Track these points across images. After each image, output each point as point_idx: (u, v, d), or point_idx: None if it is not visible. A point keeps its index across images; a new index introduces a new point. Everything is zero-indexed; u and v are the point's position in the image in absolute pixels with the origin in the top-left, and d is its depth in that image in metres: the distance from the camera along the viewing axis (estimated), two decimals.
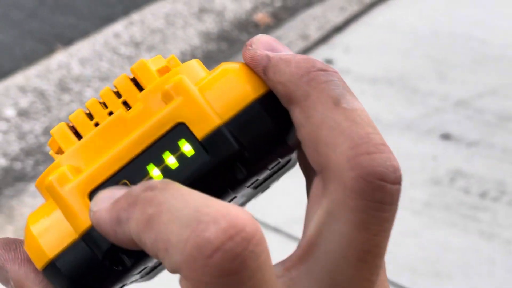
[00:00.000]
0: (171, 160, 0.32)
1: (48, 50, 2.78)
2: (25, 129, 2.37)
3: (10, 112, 2.45)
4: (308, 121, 0.31)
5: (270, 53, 0.33)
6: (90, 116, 0.34)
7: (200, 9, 3.07)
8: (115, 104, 0.34)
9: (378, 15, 2.85)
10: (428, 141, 2.14)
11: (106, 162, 0.32)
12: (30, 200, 2.02)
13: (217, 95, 0.32)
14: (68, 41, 2.83)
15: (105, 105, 0.34)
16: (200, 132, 0.32)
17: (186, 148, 0.32)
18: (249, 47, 0.33)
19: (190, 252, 0.27)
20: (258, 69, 0.33)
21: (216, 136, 0.32)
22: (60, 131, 0.34)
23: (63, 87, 2.57)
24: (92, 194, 0.32)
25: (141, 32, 2.91)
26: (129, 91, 0.34)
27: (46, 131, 2.36)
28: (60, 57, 2.74)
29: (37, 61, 2.71)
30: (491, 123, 2.22)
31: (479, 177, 2.02)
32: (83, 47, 2.80)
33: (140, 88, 0.34)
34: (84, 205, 0.32)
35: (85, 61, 2.72)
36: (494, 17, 2.79)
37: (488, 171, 2.04)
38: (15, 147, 2.28)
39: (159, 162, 0.32)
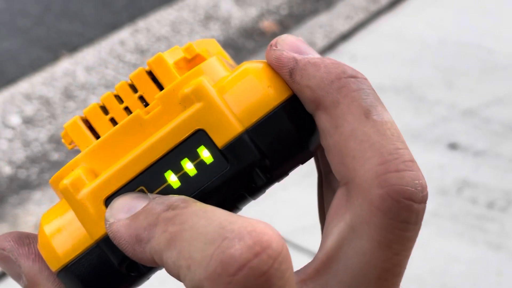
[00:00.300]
0: (189, 167, 0.32)
1: (53, 57, 2.77)
2: (30, 137, 2.36)
3: (15, 120, 2.44)
4: (336, 131, 0.30)
5: (297, 56, 0.32)
6: (105, 110, 0.34)
7: (206, 16, 3.07)
8: (131, 99, 0.33)
9: (384, 23, 2.84)
10: (435, 150, 2.12)
11: (123, 167, 0.32)
12: (35, 209, 2.01)
13: (238, 98, 0.32)
14: (73, 49, 2.82)
15: (120, 100, 0.34)
16: (221, 140, 0.31)
17: (205, 155, 0.31)
18: (274, 48, 0.32)
19: (215, 269, 0.26)
20: (283, 71, 0.32)
21: (237, 144, 0.31)
22: (74, 126, 0.33)
23: (68, 95, 2.57)
24: (108, 200, 0.32)
25: (147, 40, 2.90)
26: (146, 86, 0.33)
27: (51, 139, 2.35)
28: (65, 65, 2.74)
29: (42, 68, 2.71)
30: (499, 132, 2.21)
31: (486, 187, 2.00)
32: (88, 55, 2.80)
33: (157, 82, 0.33)
34: (100, 212, 0.31)
35: (91, 68, 2.72)
36: (502, 26, 2.78)
37: (496, 180, 2.02)
38: (20, 155, 2.28)
39: (178, 169, 0.32)
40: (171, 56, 0.34)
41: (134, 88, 0.34)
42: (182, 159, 0.32)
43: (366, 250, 0.29)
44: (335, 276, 0.29)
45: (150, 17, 3.06)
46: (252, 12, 3.08)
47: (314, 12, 3.03)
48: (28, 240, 0.33)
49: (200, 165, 0.31)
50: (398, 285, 0.30)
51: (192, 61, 0.34)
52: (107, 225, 0.30)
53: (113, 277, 0.32)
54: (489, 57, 2.59)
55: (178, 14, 3.09)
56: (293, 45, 0.32)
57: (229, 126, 0.31)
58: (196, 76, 0.32)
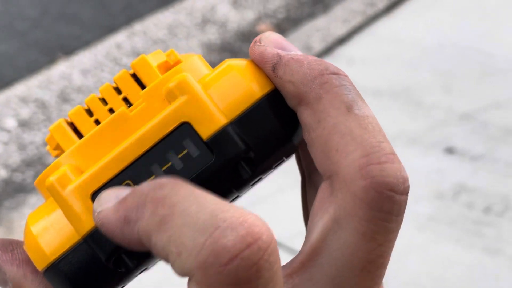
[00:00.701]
0: (175, 161, 0.32)
1: (50, 60, 2.77)
2: (26, 140, 2.36)
3: (11, 123, 2.43)
4: (319, 125, 0.31)
5: (281, 52, 0.33)
6: (89, 112, 0.34)
7: (203, 20, 3.06)
8: (115, 101, 0.33)
9: (381, 27, 2.84)
10: (432, 154, 2.12)
11: (109, 162, 0.32)
12: (30, 212, 2.01)
13: (222, 93, 0.32)
14: (70, 52, 2.82)
15: (104, 102, 0.34)
16: (205, 132, 0.32)
17: (191, 148, 0.32)
18: (258, 44, 0.33)
19: (206, 258, 0.26)
20: (266, 66, 0.32)
21: (221, 136, 0.31)
22: (59, 128, 0.33)
23: (64, 98, 2.56)
24: (94, 195, 0.31)
25: (144, 43, 2.90)
26: (129, 88, 0.33)
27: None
28: (61, 68, 2.73)
29: (39, 71, 2.71)
30: (496, 137, 2.20)
31: (483, 192, 2.00)
32: (84, 58, 2.79)
33: (140, 84, 0.33)
34: (87, 207, 0.31)
35: (87, 71, 2.71)
36: (500, 30, 2.78)
37: (492, 185, 2.02)
38: (15, 158, 2.27)
39: (164, 162, 0.32)
40: (154, 59, 0.34)
41: (118, 90, 0.34)
42: (168, 152, 0.32)
43: (350, 242, 0.29)
44: (320, 269, 0.30)
45: (147, 20, 3.06)
46: (249, 15, 3.08)
47: (311, 15, 3.03)
48: (11, 247, 0.33)
49: (186, 157, 0.32)
50: (382, 276, 0.30)
51: (174, 66, 0.34)
52: (95, 215, 0.30)
53: (101, 273, 0.32)
54: (487, 61, 2.59)
55: (175, 17, 3.09)
56: (276, 42, 0.33)
57: (213, 118, 0.31)
58: (178, 74, 0.33)
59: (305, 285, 0.30)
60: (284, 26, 2.99)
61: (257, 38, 0.33)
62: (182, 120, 0.32)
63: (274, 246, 0.27)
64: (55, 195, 0.32)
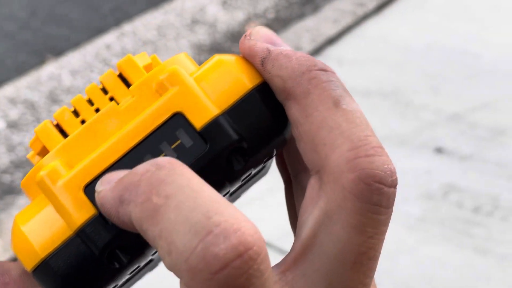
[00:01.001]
0: (169, 151, 0.32)
1: (39, 61, 2.76)
2: (14, 141, 2.35)
3: None
4: (307, 120, 0.31)
5: (270, 46, 0.33)
6: (75, 113, 0.33)
7: (193, 20, 3.06)
8: (102, 101, 0.33)
9: (371, 27, 2.84)
10: (422, 155, 2.12)
11: (101, 154, 0.31)
12: None
13: (213, 85, 0.32)
14: (59, 53, 2.81)
15: (91, 102, 0.33)
16: (198, 122, 0.31)
17: (184, 138, 0.32)
18: (248, 38, 0.33)
19: (197, 265, 0.26)
20: (255, 60, 0.33)
21: (214, 126, 0.31)
22: (45, 129, 0.33)
23: (53, 99, 2.56)
24: (87, 188, 0.31)
25: (133, 44, 2.90)
26: (116, 87, 0.33)
27: None
28: (50, 69, 2.72)
29: (27, 72, 2.70)
30: (485, 137, 2.21)
31: (473, 192, 2.00)
32: (74, 59, 2.79)
33: (127, 84, 0.33)
34: (79, 200, 0.31)
35: (76, 72, 2.71)
36: (488, 32, 2.78)
37: (482, 185, 2.03)
38: (4, 159, 2.26)
39: (157, 153, 0.32)
40: (140, 60, 0.34)
41: (104, 90, 0.34)
42: (161, 143, 0.32)
43: (341, 235, 0.30)
44: (312, 264, 0.30)
45: (136, 21, 3.05)
46: (239, 16, 3.08)
47: (300, 16, 3.03)
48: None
49: (179, 148, 0.32)
50: (374, 270, 0.31)
51: (163, 63, 0.34)
52: (96, 195, 0.30)
53: (93, 269, 0.31)
54: (476, 62, 2.59)
55: (164, 18, 3.08)
56: (266, 37, 0.33)
57: (205, 108, 0.31)
58: (166, 69, 0.33)
59: (299, 281, 0.30)
60: (274, 26, 2.99)
61: (248, 32, 0.34)
62: (175, 110, 0.31)
63: (265, 254, 0.27)
64: (46, 190, 0.31)
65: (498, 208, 1.96)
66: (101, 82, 0.33)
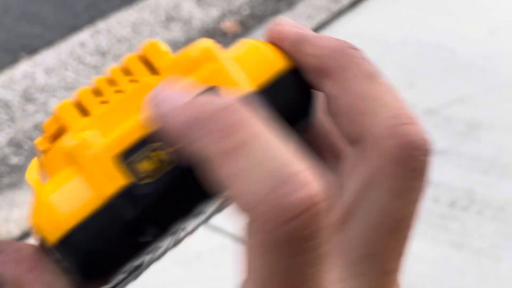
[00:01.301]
0: None
1: (12, 60, 2.74)
2: None
3: None
4: (344, 93, 0.32)
5: (299, 29, 0.33)
6: (96, 93, 0.32)
7: (167, 17, 3.05)
8: (125, 83, 0.32)
9: (346, 23, 2.85)
10: None
11: (135, 125, 0.31)
12: None
13: (246, 63, 0.32)
14: (33, 51, 2.79)
15: (111, 85, 0.33)
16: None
17: None
18: (277, 24, 0.34)
19: (269, 210, 0.27)
20: (286, 43, 0.33)
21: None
22: (66, 107, 0.32)
23: (27, 98, 2.54)
24: (120, 157, 0.30)
25: (108, 41, 2.88)
26: (139, 70, 0.32)
27: (11, 142, 2.32)
28: (24, 67, 2.71)
29: (1, 71, 2.68)
30: (460, 131, 2.22)
31: (448, 186, 2.01)
32: (48, 57, 2.77)
33: (150, 67, 0.32)
34: (112, 169, 0.30)
35: (50, 70, 2.69)
36: (463, 26, 2.80)
37: (457, 180, 2.04)
38: None
39: None
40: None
41: (127, 72, 0.33)
42: None
43: (380, 200, 0.30)
44: (352, 231, 0.30)
45: (110, 18, 3.04)
46: (213, 12, 3.07)
47: (275, 12, 3.03)
48: (0, 248, 0.32)
49: None
50: (409, 239, 0.31)
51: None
52: (152, 101, 0.29)
53: (119, 242, 0.30)
54: (450, 56, 2.60)
55: (139, 15, 3.07)
56: (293, 23, 0.34)
57: (240, 86, 0.32)
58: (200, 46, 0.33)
59: (337, 248, 0.30)
60: (249, 23, 2.99)
61: (275, 21, 0.34)
62: (210, 85, 0.31)
63: (329, 210, 0.28)
64: (77, 157, 0.30)
65: (474, 202, 1.97)
66: (122, 65, 0.33)
